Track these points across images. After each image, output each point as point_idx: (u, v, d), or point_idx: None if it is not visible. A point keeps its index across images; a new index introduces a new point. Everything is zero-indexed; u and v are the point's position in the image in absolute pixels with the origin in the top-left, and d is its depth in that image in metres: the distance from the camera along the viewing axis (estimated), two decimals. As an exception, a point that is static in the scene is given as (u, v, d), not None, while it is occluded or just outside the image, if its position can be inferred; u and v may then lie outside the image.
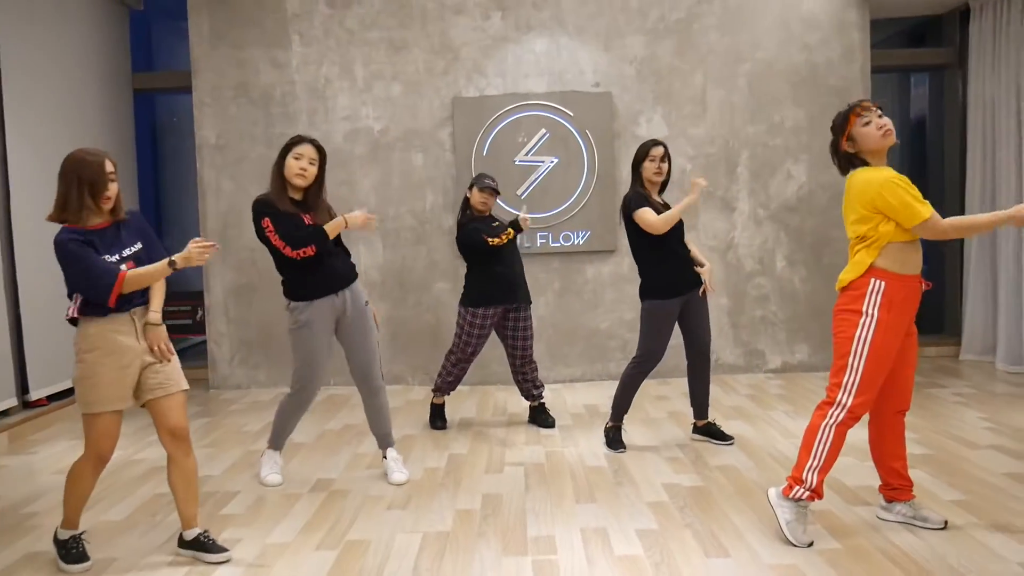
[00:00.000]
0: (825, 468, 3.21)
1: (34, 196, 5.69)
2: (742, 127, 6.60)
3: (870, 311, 3.14)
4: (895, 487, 3.39)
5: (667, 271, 4.46)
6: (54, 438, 5.30)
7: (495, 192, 5.03)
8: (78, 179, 3.04)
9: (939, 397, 5.61)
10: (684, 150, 6.52)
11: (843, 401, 3.16)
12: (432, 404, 5.32)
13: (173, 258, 3.06)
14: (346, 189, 6.55)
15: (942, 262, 7.57)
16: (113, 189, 3.09)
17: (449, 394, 5.33)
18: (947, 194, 7.39)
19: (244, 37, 6.59)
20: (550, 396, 6.07)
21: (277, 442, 4.28)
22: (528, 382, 5.19)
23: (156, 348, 3.17)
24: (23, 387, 5.58)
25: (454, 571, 3.06)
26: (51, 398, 5.81)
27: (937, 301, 7.65)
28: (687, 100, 6.59)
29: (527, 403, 5.34)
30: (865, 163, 3.23)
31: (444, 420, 5.29)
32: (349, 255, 4.20)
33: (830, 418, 3.18)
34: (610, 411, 4.69)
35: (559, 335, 6.66)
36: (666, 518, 3.53)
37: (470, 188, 5.07)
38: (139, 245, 3.19)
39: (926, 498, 3.62)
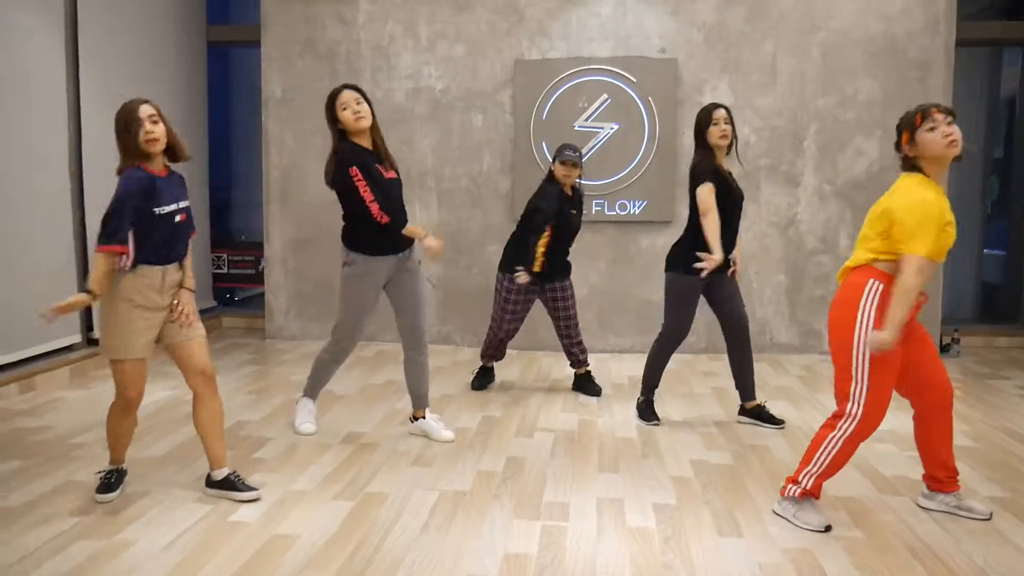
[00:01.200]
0: (825, 475, 3.14)
1: (105, 145, 5.84)
2: (812, 99, 6.34)
3: (867, 312, 2.99)
4: (940, 479, 3.28)
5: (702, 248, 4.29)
6: (107, 376, 5.51)
7: (576, 165, 4.86)
8: (124, 125, 3.14)
9: (1000, 389, 5.36)
10: (750, 121, 6.31)
11: (853, 412, 3.04)
12: (481, 366, 5.36)
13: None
14: (406, 148, 6.58)
15: (1020, 250, 7.19)
16: (153, 130, 3.13)
17: (495, 362, 5.36)
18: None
19: (312, -8, 6.65)
20: (596, 365, 6.02)
21: (313, 391, 4.37)
22: (575, 347, 5.15)
23: (183, 310, 3.28)
24: (88, 324, 5.83)
25: (464, 529, 3.09)
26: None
27: (1013, 290, 7.28)
28: (755, 69, 6.36)
29: (572, 371, 5.31)
30: (920, 169, 3.03)
31: (483, 381, 5.32)
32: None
33: (839, 431, 3.08)
34: (641, 387, 4.64)
35: (610, 304, 6.60)
36: (687, 493, 3.49)
37: (553, 160, 4.94)
38: (187, 201, 3.33)
39: (964, 493, 3.46)
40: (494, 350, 5.24)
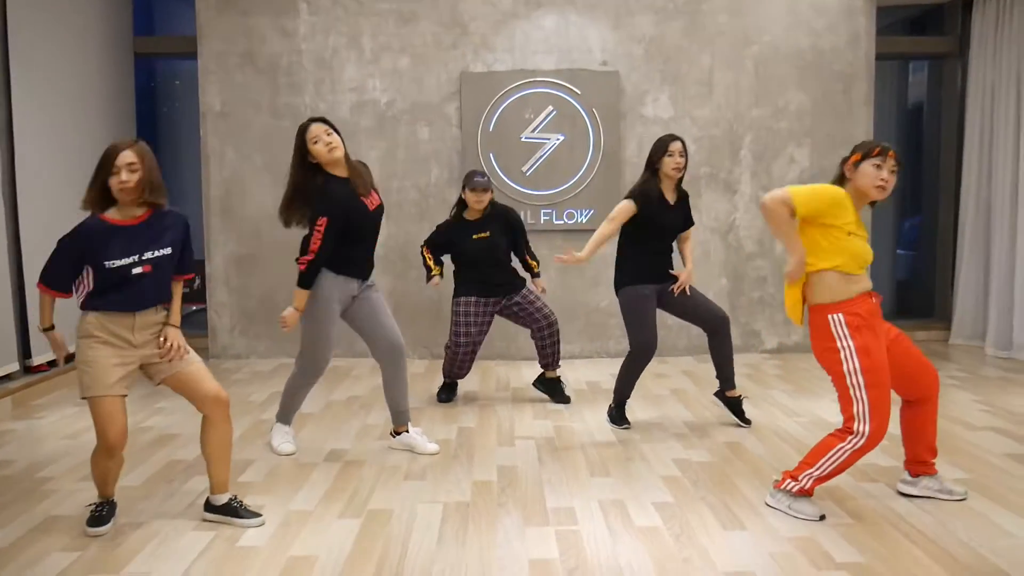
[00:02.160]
0: (825, 479, 3.32)
1: (38, 160, 5.64)
2: (747, 110, 6.64)
3: (844, 344, 3.22)
4: (926, 462, 3.49)
5: (639, 261, 4.51)
6: (58, 403, 5.29)
7: (486, 189, 4.98)
8: (99, 167, 3.06)
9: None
10: (689, 131, 6.55)
11: (861, 430, 3.21)
12: (444, 382, 5.38)
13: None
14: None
15: (934, 247, 7.70)
16: (129, 179, 3.02)
17: (458, 380, 5.38)
18: (942, 180, 7.50)
19: (252, 4, 6.53)
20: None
21: (286, 417, 4.30)
22: (552, 347, 5.16)
23: (170, 345, 3.18)
24: (25, 352, 5.55)
25: (479, 540, 3.12)
26: (52, 363, 5.77)
27: (927, 286, 7.79)
28: (694, 81, 6.62)
29: (538, 374, 5.34)
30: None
31: (449, 394, 5.34)
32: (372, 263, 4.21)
33: (848, 443, 3.25)
34: (612, 392, 4.75)
35: (560, 312, 6.67)
36: (681, 492, 3.61)
37: (463, 188, 5.05)
38: (168, 250, 3.16)
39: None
40: (457, 370, 5.23)
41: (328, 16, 6.54)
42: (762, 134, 6.66)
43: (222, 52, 6.56)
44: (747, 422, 4.65)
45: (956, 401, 5.15)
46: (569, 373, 6.16)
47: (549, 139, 6.55)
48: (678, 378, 5.94)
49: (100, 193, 3.08)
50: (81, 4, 6.24)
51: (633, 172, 6.58)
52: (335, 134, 3.92)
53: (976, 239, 6.91)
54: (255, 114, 6.60)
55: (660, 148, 4.48)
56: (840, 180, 3.34)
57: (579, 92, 6.50)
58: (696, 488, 3.66)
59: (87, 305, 3.12)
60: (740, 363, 6.39)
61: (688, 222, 4.72)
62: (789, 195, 3.19)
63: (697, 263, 6.63)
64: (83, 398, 3.13)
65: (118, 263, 3.05)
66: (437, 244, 5.16)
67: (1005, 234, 6.55)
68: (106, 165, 3.03)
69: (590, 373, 6.16)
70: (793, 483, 3.34)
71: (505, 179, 6.53)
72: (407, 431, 4.24)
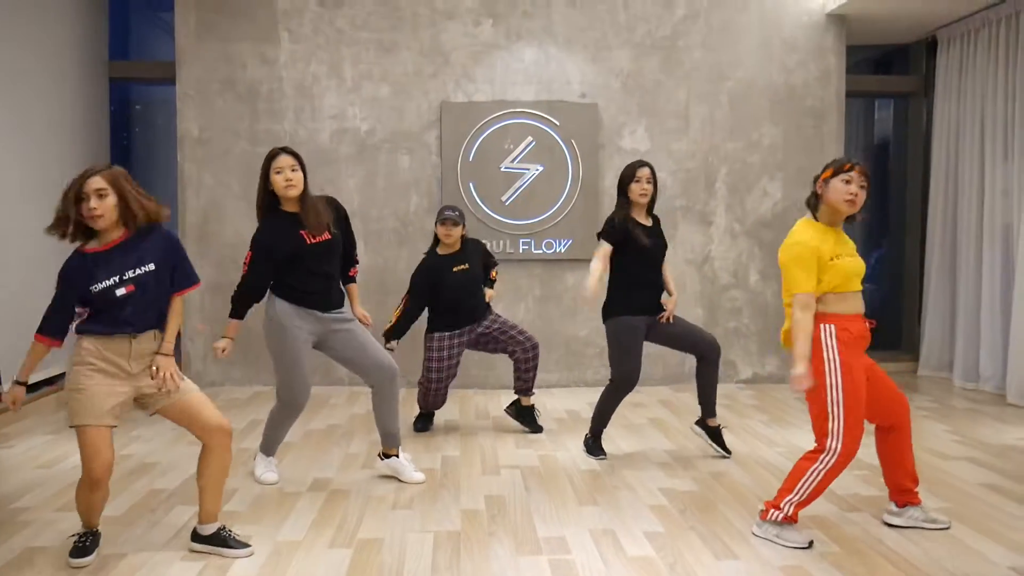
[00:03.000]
0: (806, 503, 3.37)
1: (3, 184, 5.54)
2: (722, 143, 6.78)
3: (830, 355, 3.27)
4: (908, 490, 3.55)
5: (630, 292, 4.53)
6: (29, 431, 5.17)
7: (456, 223, 5.04)
8: (68, 195, 3.00)
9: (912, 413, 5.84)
10: (666, 164, 6.66)
11: (833, 447, 3.27)
12: (420, 412, 5.38)
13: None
14: (331, 188, 6.51)
15: (901, 280, 7.88)
16: (97, 206, 2.98)
17: (434, 411, 5.39)
18: (908, 215, 7.71)
19: (232, 31, 6.53)
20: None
21: (268, 448, 4.25)
22: (532, 371, 5.21)
23: (163, 376, 3.13)
24: (-6, 378, 5.42)
25: (473, 570, 3.10)
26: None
27: (895, 317, 7.95)
28: (670, 115, 6.74)
29: (512, 401, 5.33)
30: (816, 209, 3.42)
31: (426, 423, 5.35)
32: (340, 285, 4.18)
33: (820, 463, 3.30)
34: (590, 421, 4.76)
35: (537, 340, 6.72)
36: (669, 521, 3.63)
37: (436, 224, 5.14)
38: (151, 267, 3.10)
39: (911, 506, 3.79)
40: (433, 402, 5.26)
41: (309, 44, 6.56)
42: (736, 167, 6.80)
43: (201, 78, 6.54)
44: (727, 452, 4.69)
45: (929, 431, 5.25)
46: (548, 402, 6.18)
47: (528, 169, 6.61)
48: (656, 408, 5.98)
49: (76, 222, 3.02)
50: (53, 27, 6.18)
51: (611, 202, 6.60)
52: (299, 172, 3.88)
53: (942, 272, 7.09)
54: (234, 140, 6.57)
55: (628, 175, 4.55)
56: (814, 198, 3.42)
57: (558, 123, 6.59)
58: (684, 517, 3.68)
59: (81, 329, 3.08)
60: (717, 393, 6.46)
61: (664, 248, 4.73)
62: (803, 295, 3.27)
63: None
64: (71, 426, 3.07)
65: (101, 286, 3.03)
66: (421, 289, 5.11)
67: (971, 267, 6.73)
68: (72, 192, 2.97)
69: (569, 402, 6.18)
70: (776, 512, 3.38)
71: (484, 208, 6.57)
72: (397, 455, 4.21)
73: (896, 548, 3.31)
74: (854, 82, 7.36)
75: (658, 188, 4.66)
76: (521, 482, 4.19)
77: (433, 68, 6.62)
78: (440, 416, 5.62)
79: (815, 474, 3.31)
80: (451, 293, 5.08)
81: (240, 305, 3.97)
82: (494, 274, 5.35)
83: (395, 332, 5.07)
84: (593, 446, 4.70)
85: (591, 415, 4.76)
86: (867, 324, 3.40)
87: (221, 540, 3.22)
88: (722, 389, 6.56)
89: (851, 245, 3.46)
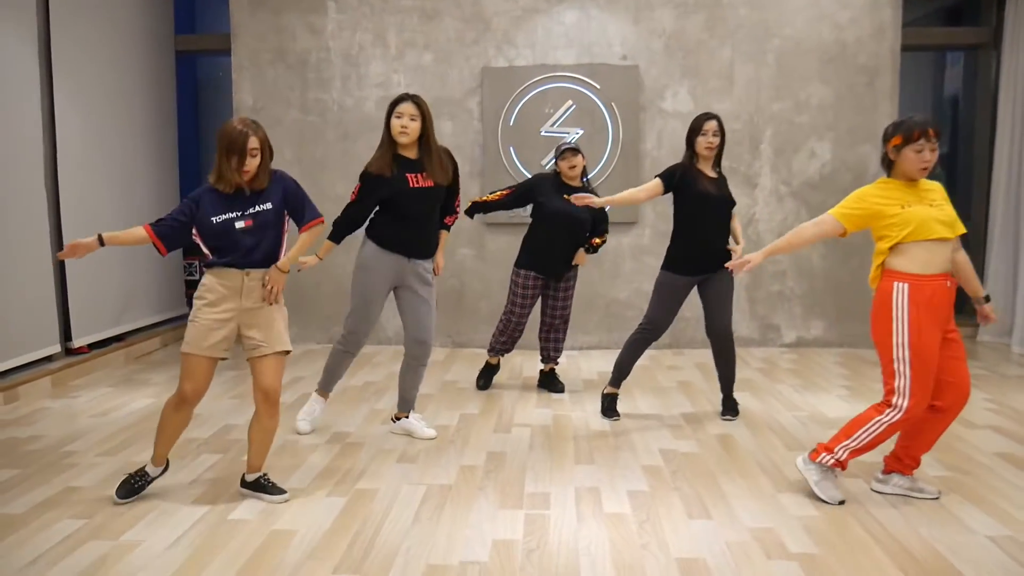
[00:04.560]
0: (860, 451, 3.42)
1: (79, 151, 5.98)
2: (768, 104, 6.64)
3: (900, 314, 3.29)
4: (904, 462, 3.55)
5: (687, 248, 4.57)
6: (95, 384, 5.63)
7: (576, 151, 5.05)
8: (225, 150, 3.28)
9: (947, 377, 5.69)
10: (708, 125, 6.58)
11: (899, 404, 3.31)
12: (486, 363, 5.52)
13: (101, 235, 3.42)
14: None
15: (965, 241, 7.54)
16: (252, 164, 3.30)
17: (503, 355, 5.48)
18: (976, 172, 7.37)
19: (282, 2, 6.78)
20: (566, 362, 6.27)
21: (326, 386, 4.52)
22: (552, 342, 5.35)
23: (269, 288, 3.39)
24: (66, 334, 5.92)
25: (452, 520, 3.29)
26: (92, 346, 6.15)
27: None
28: (714, 75, 6.64)
29: (541, 366, 5.50)
30: (888, 173, 3.42)
31: (487, 382, 5.50)
32: (439, 232, 4.38)
33: (885, 416, 3.34)
34: (610, 376, 4.85)
35: (578, 303, 6.79)
36: (658, 481, 3.73)
37: (555, 163, 5.17)
38: (269, 205, 3.38)
39: (915, 473, 3.76)
40: (503, 343, 5.36)
41: (355, 14, 6.75)
42: (783, 128, 6.65)
43: (255, 50, 6.83)
44: (731, 414, 4.75)
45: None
46: (583, 363, 6.29)
47: (568, 133, 6.65)
48: (689, 371, 6.01)
49: (220, 172, 3.33)
50: (124, 3, 6.57)
51: (653, 166, 6.66)
52: (417, 121, 4.08)
53: (1006, 234, 6.79)
54: (285, 109, 6.86)
55: (695, 127, 4.57)
56: (886, 161, 3.41)
57: (598, 87, 6.59)
58: (674, 478, 3.77)
59: (206, 264, 3.44)
60: (756, 357, 6.45)
61: (731, 203, 4.68)
62: (829, 215, 3.48)
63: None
64: (181, 352, 3.44)
65: (222, 217, 3.34)
66: (523, 192, 5.18)
67: (1033, 229, 6.43)
68: (242, 149, 3.25)
69: (603, 364, 6.26)
70: (828, 456, 3.44)
71: (525, 173, 6.66)
72: (407, 417, 4.43)
73: (876, 515, 3.32)
74: (918, 35, 7.06)
75: (724, 142, 4.63)
76: (528, 440, 4.35)
77: (475, 34, 6.71)
78: (473, 375, 5.80)
79: (877, 425, 3.36)
80: (550, 223, 5.05)
81: (339, 230, 4.29)
82: (597, 240, 5.22)
83: (477, 206, 5.23)
84: (608, 407, 4.80)
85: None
86: (950, 283, 3.31)
87: (260, 487, 3.53)
88: (764, 352, 6.58)
89: (937, 194, 3.37)
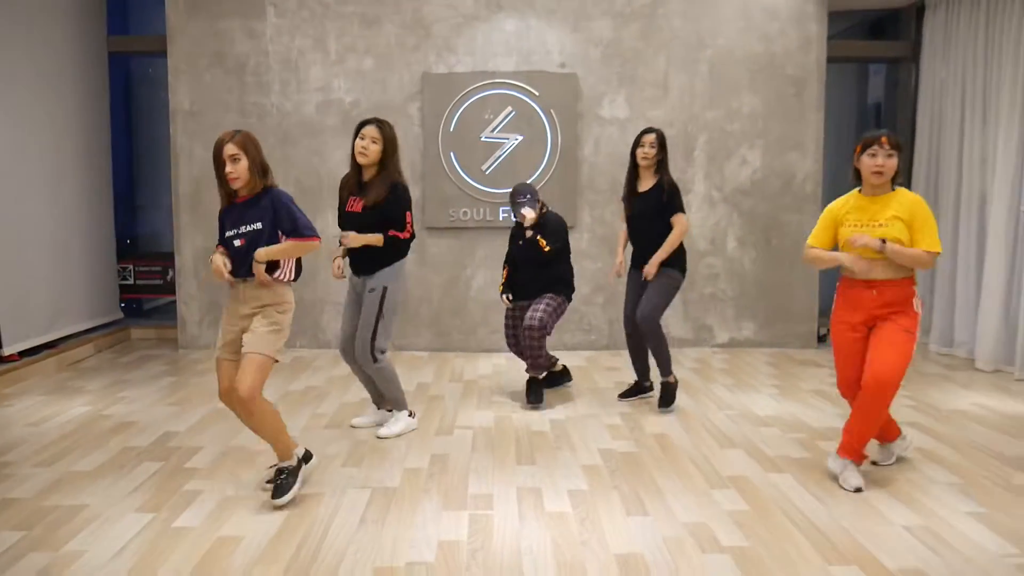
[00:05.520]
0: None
1: (6, 155, 5.85)
2: (701, 112, 6.85)
3: (834, 308, 3.86)
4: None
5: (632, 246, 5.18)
6: (26, 392, 5.51)
7: (530, 208, 5.11)
8: (213, 162, 3.52)
9: (870, 376, 5.96)
10: (644, 132, 6.76)
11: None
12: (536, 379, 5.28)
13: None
14: (318, 160, 6.77)
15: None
16: (238, 168, 3.46)
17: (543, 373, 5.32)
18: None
19: (220, 6, 6.73)
20: (506, 364, 6.37)
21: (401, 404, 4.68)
22: (524, 351, 5.19)
23: (256, 269, 3.50)
24: (-4, 341, 5.78)
25: (398, 522, 3.36)
26: (22, 354, 6.01)
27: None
28: (649, 83, 6.83)
29: (482, 371, 5.60)
30: (859, 185, 3.77)
31: (538, 398, 5.19)
32: (368, 252, 4.40)
33: None
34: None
35: (518, 306, 6.94)
36: (597, 480, 3.85)
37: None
38: (258, 225, 3.50)
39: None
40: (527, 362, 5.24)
41: (294, 18, 6.74)
42: (716, 135, 6.88)
43: (191, 53, 6.77)
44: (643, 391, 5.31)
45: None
46: (520, 365, 6.37)
47: (508, 139, 6.76)
48: (627, 372, 6.15)
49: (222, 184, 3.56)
50: (53, 3, 6.44)
51: (590, 171, 6.82)
52: (376, 145, 4.30)
53: (924, 238, 7.12)
54: (224, 113, 6.81)
55: (636, 140, 5.01)
56: (855, 173, 3.75)
57: (537, 93, 6.72)
58: (612, 477, 3.90)
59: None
60: (690, 357, 6.65)
61: (667, 210, 4.91)
62: (807, 245, 3.88)
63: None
64: None
65: (227, 234, 3.58)
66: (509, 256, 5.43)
67: (949, 234, 6.76)
68: (216, 157, 3.48)
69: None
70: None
71: (466, 178, 6.75)
72: (389, 410, 4.69)
73: (803, 508, 3.50)
74: (842, 47, 7.37)
75: (666, 154, 5.00)
76: (470, 442, 4.43)
77: (415, 40, 6.77)
78: (414, 378, 5.87)
79: None
80: (514, 260, 5.33)
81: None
82: (542, 242, 5.13)
83: (504, 287, 5.37)
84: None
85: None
86: (875, 291, 3.65)
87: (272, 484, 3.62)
88: (697, 353, 6.78)
89: (884, 217, 3.62)
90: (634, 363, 5.26)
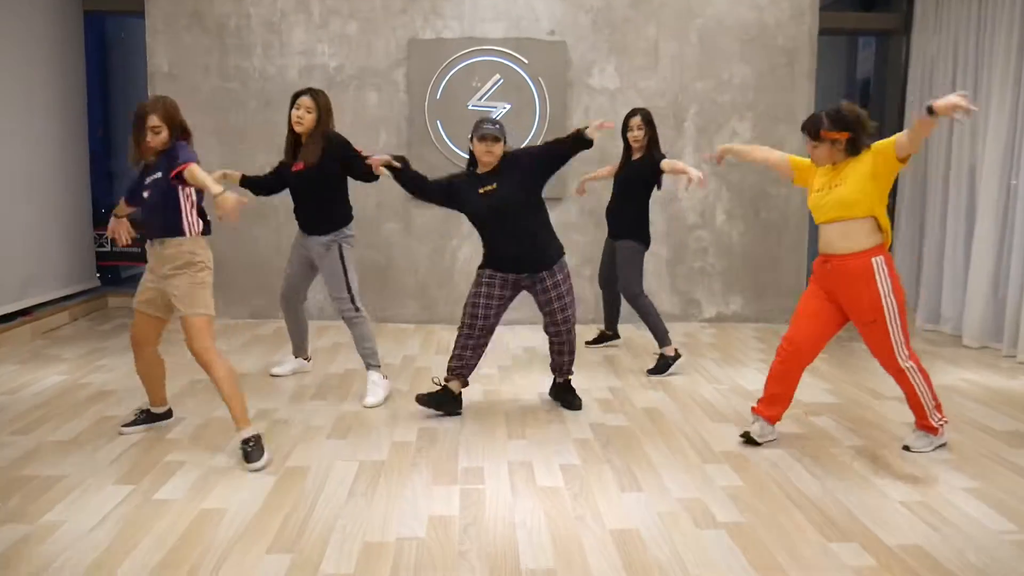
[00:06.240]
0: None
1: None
2: (691, 82, 6.75)
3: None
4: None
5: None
6: (1, 360, 5.36)
7: (497, 139, 4.17)
8: (133, 127, 3.58)
9: (857, 350, 5.94)
10: (635, 102, 6.64)
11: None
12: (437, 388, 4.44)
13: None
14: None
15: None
16: (152, 139, 3.54)
17: (466, 379, 4.43)
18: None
19: (199, -36, 6.52)
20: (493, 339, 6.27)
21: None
22: (555, 354, 4.52)
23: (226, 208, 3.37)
24: (-31, 309, 5.62)
25: (387, 496, 3.27)
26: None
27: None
28: (640, 52, 6.70)
29: (438, 358, 5.43)
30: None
31: (442, 403, 4.38)
32: (324, 211, 4.63)
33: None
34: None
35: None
36: (589, 454, 3.79)
37: (471, 139, 4.26)
38: (159, 175, 3.58)
39: (828, 443, 3.94)
40: (454, 358, 4.42)
41: (277, -22, 6.54)
42: (706, 106, 6.78)
43: (170, 12, 6.55)
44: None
45: (872, 371, 5.34)
46: (510, 339, 6.32)
47: (496, 108, 6.63)
48: (616, 347, 6.09)
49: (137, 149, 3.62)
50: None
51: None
52: (311, 114, 4.53)
53: (912, 213, 7.10)
54: (203, 76, 6.61)
55: (623, 123, 5.35)
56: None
57: (526, 61, 6.58)
58: (604, 451, 3.83)
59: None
60: (678, 331, 6.58)
61: (651, 183, 5.31)
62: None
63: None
64: None
65: (139, 188, 3.70)
66: (431, 188, 4.41)
67: (937, 209, 6.74)
68: (139, 127, 3.55)
69: (530, 339, 6.31)
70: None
71: (452, 147, 6.61)
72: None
73: (798, 483, 3.46)
74: (833, 19, 7.27)
75: (655, 133, 5.29)
76: (459, 417, 4.35)
77: (401, 4, 6.59)
78: (399, 350, 5.77)
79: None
80: (478, 222, 4.35)
81: (250, 186, 4.82)
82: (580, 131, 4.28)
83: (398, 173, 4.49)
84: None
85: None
86: (829, 264, 3.71)
87: (242, 451, 3.60)
88: (685, 327, 6.73)
89: (841, 178, 3.66)
90: (605, 314, 5.90)
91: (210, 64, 6.62)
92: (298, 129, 4.53)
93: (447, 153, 6.60)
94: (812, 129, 3.66)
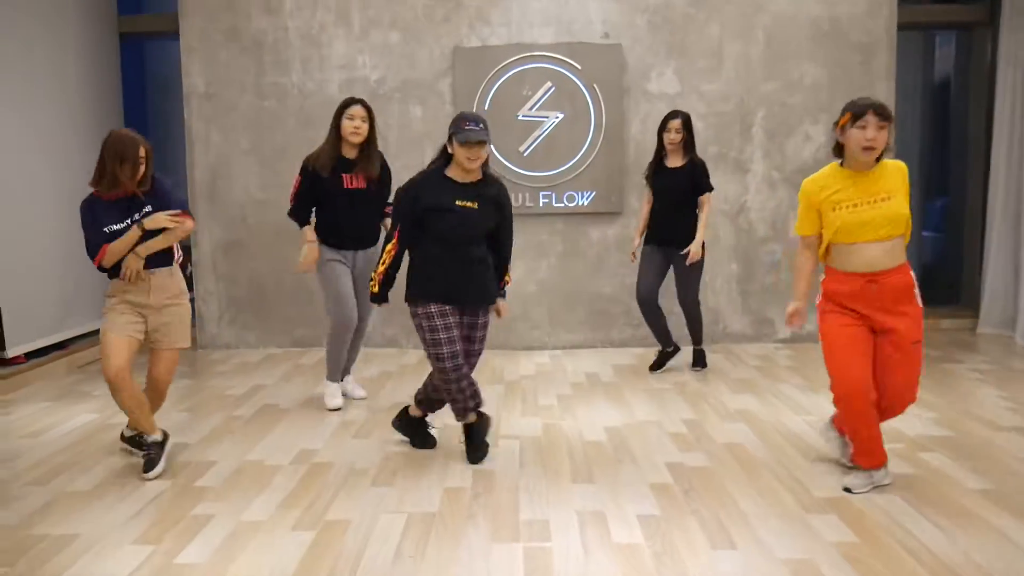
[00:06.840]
0: (855, 450, 3.43)
1: (11, 146, 5.41)
2: (758, 84, 6.24)
3: (820, 302, 3.40)
4: None
5: (650, 222, 5.41)
6: (31, 398, 5.07)
7: (484, 143, 3.54)
8: (119, 158, 3.49)
9: (956, 373, 5.34)
10: (697, 107, 6.17)
11: (834, 392, 3.37)
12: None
13: (141, 220, 3.57)
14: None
15: (961, 229, 7.26)
16: (141, 171, 3.56)
17: (431, 411, 4.03)
18: (971, 159, 7.05)
19: (234, -22, 6.24)
20: (550, 363, 5.84)
21: (334, 375, 4.71)
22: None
23: (127, 270, 3.57)
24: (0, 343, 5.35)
25: (439, 558, 2.83)
26: (29, 355, 5.58)
27: (954, 272, 7.37)
28: (701, 53, 6.23)
29: (524, 371, 5.06)
30: (841, 160, 3.34)
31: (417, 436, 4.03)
32: (376, 225, 4.64)
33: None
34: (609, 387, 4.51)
35: (561, 299, 6.39)
36: (669, 502, 3.30)
37: (450, 139, 3.60)
38: (148, 209, 3.59)
39: (950, 486, 3.39)
40: (456, 394, 3.77)
41: (315, -11, 6.23)
42: (775, 109, 6.26)
43: (205, 30, 6.27)
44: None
45: (982, 397, 4.77)
46: (568, 364, 5.86)
47: (548, 117, 6.20)
48: (684, 370, 5.58)
49: (106, 179, 3.55)
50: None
51: (637, 151, 6.24)
52: (367, 124, 4.46)
53: (1006, 222, 6.48)
54: (240, 95, 6.31)
55: (662, 125, 5.26)
56: (838, 147, 3.34)
57: (579, 67, 6.14)
58: (687, 498, 3.34)
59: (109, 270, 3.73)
60: (751, 354, 6.06)
61: (698, 189, 5.20)
62: (799, 237, 3.46)
63: (706, 246, 6.29)
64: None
65: (116, 227, 3.56)
66: (404, 214, 3.64)
67: (1036, 216, 6.12)
68: (126, 159, 3.51)
69: (591, 364, 5.84)
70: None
71: (501, 160, 6.20)
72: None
73: (919, 535, 2.93)
74: (910, 13, 6.70)
75: (692, 135, 5.25)
76: (517, 455, 3.89)
77: (445, 11, 6.22)
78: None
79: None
80: (443, 239, 3.62)
81: (292, 214, 4.56)
82: (508, 280, 3.90)
83: (382, 285, 3.78)
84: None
85: (611, 380, 4.53)
86: (874, 285, 3.24)
87: (137, 444, 3.80)
88: (758, 349, 6.20)
89: (883, 190, 3.22)
90: (655, 334, 5.45)
91: (247, 82, 6.32)
92: (356, 140, 4.44)
93: (496, 166, 6.16)
94: (885, 111, 3.17)
